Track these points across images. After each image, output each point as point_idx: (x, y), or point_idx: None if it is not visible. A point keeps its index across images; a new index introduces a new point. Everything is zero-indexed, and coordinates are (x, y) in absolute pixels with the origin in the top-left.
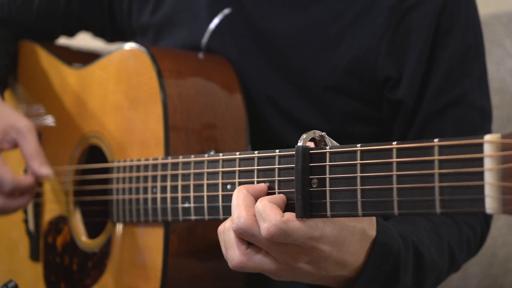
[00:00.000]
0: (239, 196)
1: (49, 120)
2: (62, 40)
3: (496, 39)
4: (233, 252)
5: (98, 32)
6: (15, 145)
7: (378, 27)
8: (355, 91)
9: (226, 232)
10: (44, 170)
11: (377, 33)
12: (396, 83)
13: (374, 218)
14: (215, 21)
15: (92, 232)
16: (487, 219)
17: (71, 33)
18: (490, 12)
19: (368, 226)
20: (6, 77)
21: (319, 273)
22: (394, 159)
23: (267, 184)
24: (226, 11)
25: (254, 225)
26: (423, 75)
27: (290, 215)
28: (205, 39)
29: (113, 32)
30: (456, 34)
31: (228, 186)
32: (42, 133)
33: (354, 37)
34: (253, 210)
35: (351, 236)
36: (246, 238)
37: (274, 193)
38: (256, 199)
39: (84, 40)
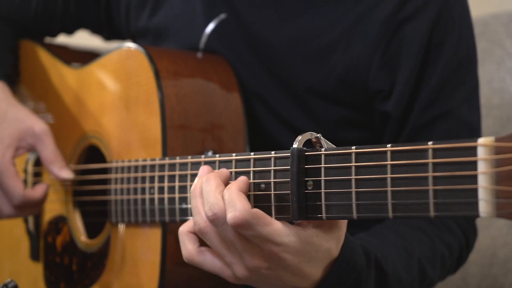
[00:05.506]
0: (212, 184)
1: (49, 118)
2: (61, 38)
3: (496, 39)
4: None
5: (96, 31)
6: (30, 149)
7: (370, 39)
8: (346, 100)
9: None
10: (65, 173)
11: (369, 46)
12: (387, 95)
13: (342, 238)
14: (211, 25)
15: (92, 232)
16: (469, 239)
17: (69, 32)
18: (490, 12)
19: (335, 247)
20: (13, 74)
21: (276, 282)
22: (389, 162)
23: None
24: (222, 16)
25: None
26: (413, 88)
27: (258, 211)
28: (202, 43)
29: (110, 32)
30: (448, 48)
31: None
32: None
33: (345, 48)
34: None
35: (314, 252)
36: (218, 225)
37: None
38: (224, 185)
39: (82, 38)
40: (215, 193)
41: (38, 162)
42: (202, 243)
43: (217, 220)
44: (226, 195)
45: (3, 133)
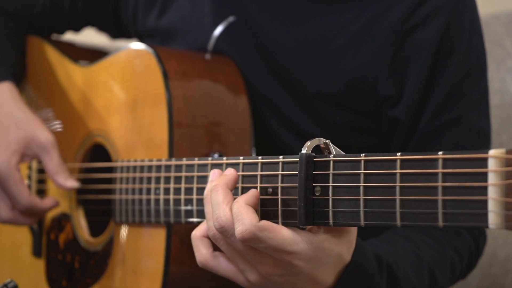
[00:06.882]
0: (219, 194)
1: (57, 125)
2: (68, 35)
3: (496, 39)
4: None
5: (103, 29)
6: (34, 158)
7: (380, 46)
8: (354, 105)
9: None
10: (70, 183)
11: (379, 52)
12: (395, 102)
13: (354, 243)
14: (219, 28)
15: (95, 231)
16: (478, 244)
17: (76, 29)
18: (490, 12)
19: (346, 251)
20: (19, 72)
21: (289, 287)
22: (398, 170)
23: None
24: (231, 19)
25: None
26: (422, 95)
27: (265, 222)
28: (210, 45)
29: (117, 31)
30: (458, 56)
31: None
32: None
33: (354, 54)
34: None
35: (326, 258)
36: (227, 236)
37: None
38: (232, 188)
39: (89, 36)
40: (222, 205)
41: (42, 170)
42: (215, 247)
43: (225, 232)
44: (234, 208)
45: (10, 137)
